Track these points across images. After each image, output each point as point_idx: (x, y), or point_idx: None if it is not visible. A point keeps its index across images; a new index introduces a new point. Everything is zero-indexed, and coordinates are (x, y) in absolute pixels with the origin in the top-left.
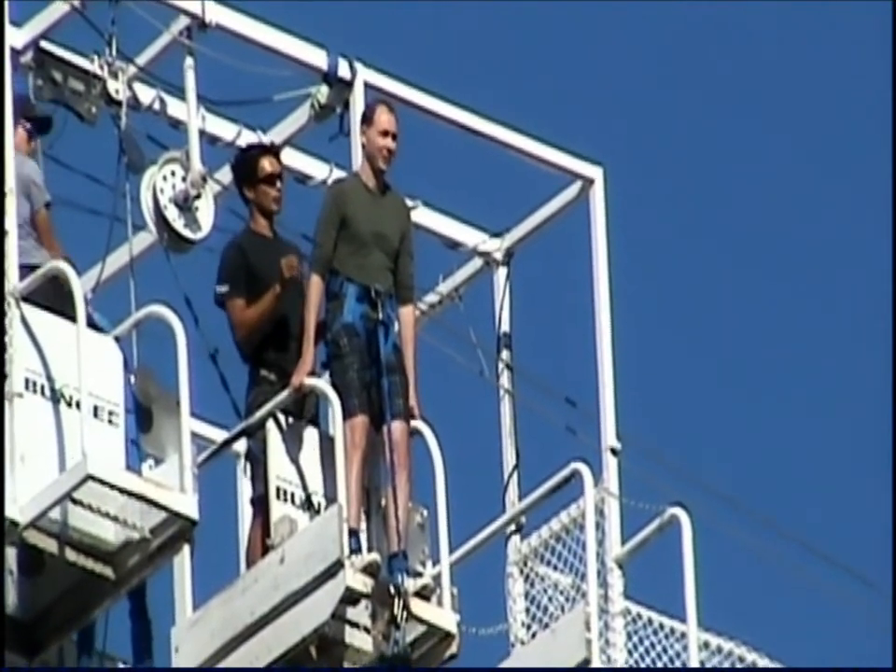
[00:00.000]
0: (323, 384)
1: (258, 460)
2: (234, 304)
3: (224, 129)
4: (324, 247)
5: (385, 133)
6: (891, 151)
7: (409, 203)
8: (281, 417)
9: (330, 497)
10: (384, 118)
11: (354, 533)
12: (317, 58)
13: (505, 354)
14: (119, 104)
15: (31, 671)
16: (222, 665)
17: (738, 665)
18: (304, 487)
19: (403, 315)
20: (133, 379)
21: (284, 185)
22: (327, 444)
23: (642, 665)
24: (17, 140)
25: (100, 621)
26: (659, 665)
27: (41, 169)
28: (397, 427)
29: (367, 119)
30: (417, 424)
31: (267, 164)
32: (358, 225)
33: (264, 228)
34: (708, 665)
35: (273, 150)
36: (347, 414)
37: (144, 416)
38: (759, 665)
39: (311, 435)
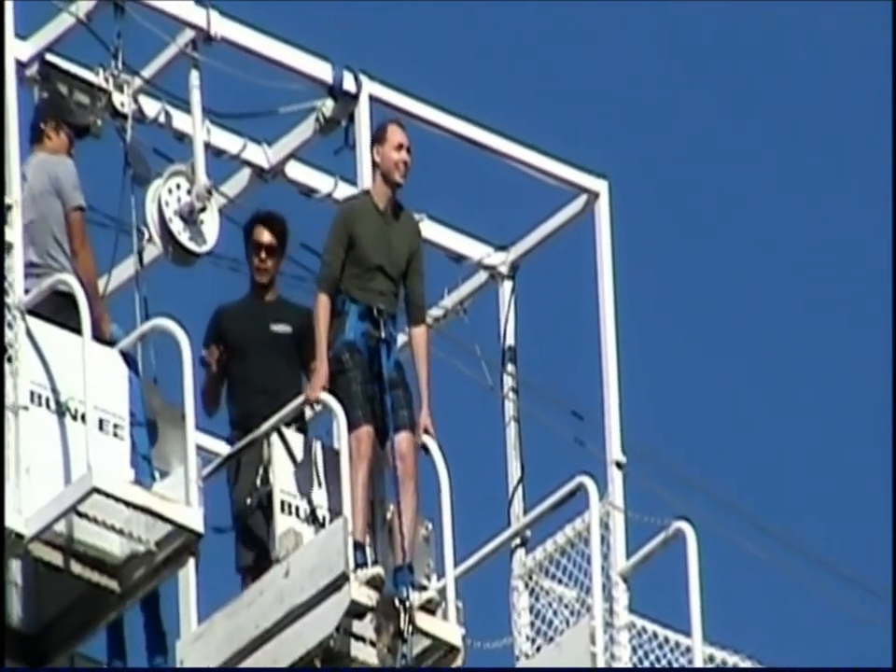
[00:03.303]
0: (329, 397)
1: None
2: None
3: (229, 142)
4: (331, 267)
5: (399, 147)
6: (892, 151)
7: (416, 216)
8: (285, 430)
9: (336, 510)
10: (396, 133)
11: (360, 546)
12: (323, 71)
13: (510, 367)
14: (124, 116)
15: (30, 671)
16: None
17: None
18: (309, 500)
19: (416, 335)
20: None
21: (278, 259)
22: (332, 457)
23: None
24: (58, 144)
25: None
26: None
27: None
28: (403, 437)
29: (378, 138)
30: (424, 437)
31: (257, 233)
32: (365, 248)
33: (257, 294)
34: None
35: (272, 221)
36: (352, 426)
37: (149, 429)
38: None
39: (315, 448)
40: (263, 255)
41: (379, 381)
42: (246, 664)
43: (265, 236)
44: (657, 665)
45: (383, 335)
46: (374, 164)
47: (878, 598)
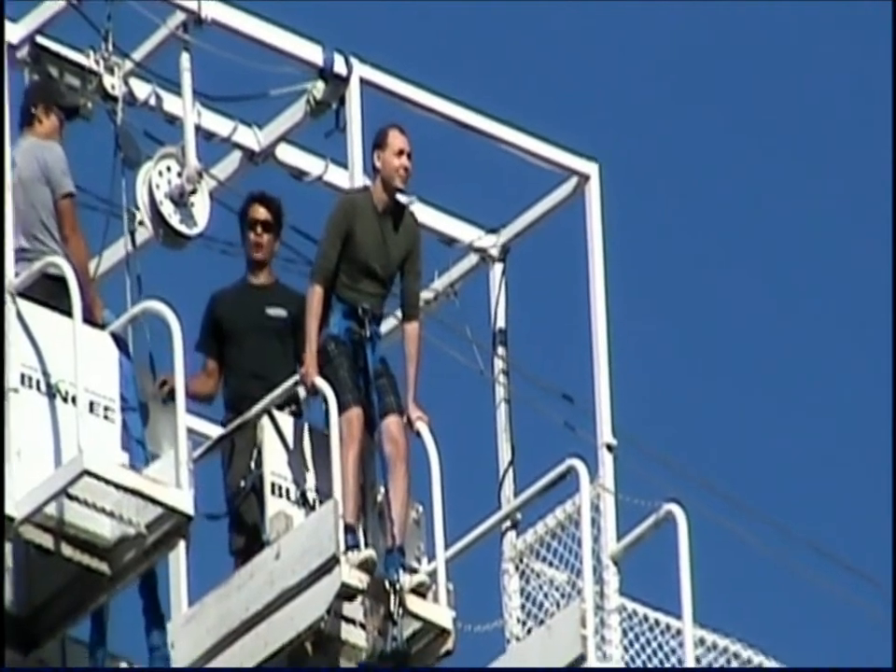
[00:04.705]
0: (322, 381)
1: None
2: (202, 367)
3: (220, 124)
4: (329, 259)
5: (400, 153)
6: (891, 151)
7: (404, 199)
8: (276, 413)
9: (326, 493)
10: (397, 139)
11: (350, 528)
12: (313, 54)
13: (501, 350)
14: (114, 99)
15: (31, 671)
16: (218, 660)
17: (734, 662)
18: (299, 483)
19: (407, 331)
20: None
21: (273, 237)
22: (322, 440)
23: (637, 662)
24: (48, 127)
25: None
26: (654, 661)
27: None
28: (392, 421)
29: (379, 143)
30: (417, 423)
31: (253, 211)
32: (359, 248)
33: (253, 276)
34: (704, 662)
35: (267, 200)
36: (342, 409)
37: (141, 412)
38: (754, 662)
39: (306, 431)
40: (259, 230)
41: (364, 374)
42: (237, 646)
43: (261, 213)
44: (647, 649)
45: (367, 334)
46: (375, 169)
47: (868, 582)
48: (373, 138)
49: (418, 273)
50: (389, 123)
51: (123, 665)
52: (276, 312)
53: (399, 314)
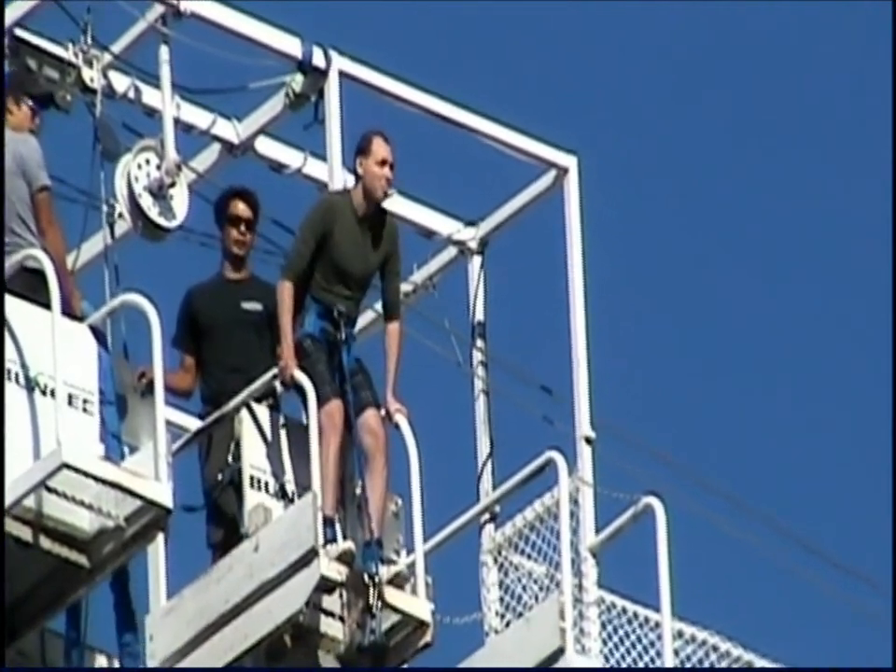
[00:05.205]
0: (301, 374)
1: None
2: (179, 363)
3: (199, 117)
4: (301, 257)
5: (382, 163)
6: (891, 151)
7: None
8: (255, 406)
9: (305, 486)
10: (381, 148)
11: (329, 521)
12: (292, 46)
13: (479, 342)
14: (93, 92)
15: (31, 671)
16: (197, 652)
17: (712, 655)
18: (278, 476)
19: (390, 330)
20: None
21: (253, 233)
22: (302, 433)
23: (616, 655)
24: (20, 118)
25: (85, 610)
26: (633, 654)
27: (41, 147)
28: (371, 414)
29: (363, 149)
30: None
31: (234, 207)
32: (336, 251)
33: (230, 271)
34: (682, 655)
35: (247, 195)
36: (322, 401)
37: (119, 404)
38: (733, 655)
39: (285, 424)
40: (243, 227)
41: (340, 372)
42: (215, 639)
43: (242, 209)
44: (626, 642)
45: (342, 336)
46: (356, 174)
47: (867, 582)
48: (357, 142)
49: (397, 273)
50: (374, 130)
51: (102, 658)
52: (252, 306)
53: (378, 307)
